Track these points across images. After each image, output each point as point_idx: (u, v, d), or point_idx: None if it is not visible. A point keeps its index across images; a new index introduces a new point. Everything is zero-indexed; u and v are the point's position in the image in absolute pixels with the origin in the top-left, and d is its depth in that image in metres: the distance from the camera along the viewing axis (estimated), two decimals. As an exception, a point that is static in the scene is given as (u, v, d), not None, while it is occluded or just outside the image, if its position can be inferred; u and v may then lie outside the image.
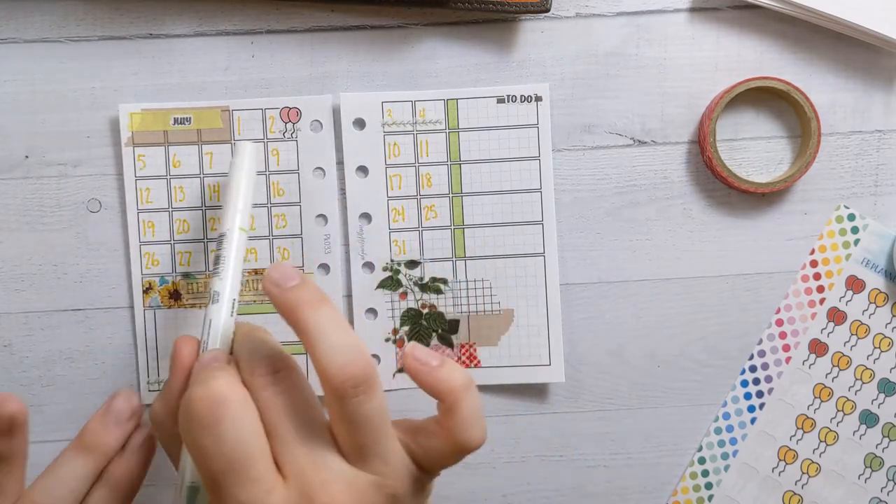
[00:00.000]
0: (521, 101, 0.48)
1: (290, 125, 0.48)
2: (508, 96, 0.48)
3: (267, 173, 0.48)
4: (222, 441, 0.33)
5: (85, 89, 0.48)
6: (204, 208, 0.48)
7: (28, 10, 0.48)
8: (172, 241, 0.48)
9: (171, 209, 0.48)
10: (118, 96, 0.48)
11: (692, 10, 0.49)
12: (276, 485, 0.34)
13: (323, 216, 0.49)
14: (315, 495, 0.34)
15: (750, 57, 0.49)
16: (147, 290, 0.48)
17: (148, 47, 0.48)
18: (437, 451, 0.37)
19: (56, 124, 0.48)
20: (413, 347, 0.37)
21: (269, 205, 0.48)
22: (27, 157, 0.48)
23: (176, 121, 0.48)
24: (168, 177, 0.48)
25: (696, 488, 0.50)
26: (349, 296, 0.49)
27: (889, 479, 0.49)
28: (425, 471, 0.37)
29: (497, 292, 0.49)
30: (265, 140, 0.48)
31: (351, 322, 0.49)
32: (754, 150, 0.49)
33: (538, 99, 0.48)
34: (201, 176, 0.48)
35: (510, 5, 0.46)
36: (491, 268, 0.49)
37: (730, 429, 0.50)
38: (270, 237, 0.49)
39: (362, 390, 0.34)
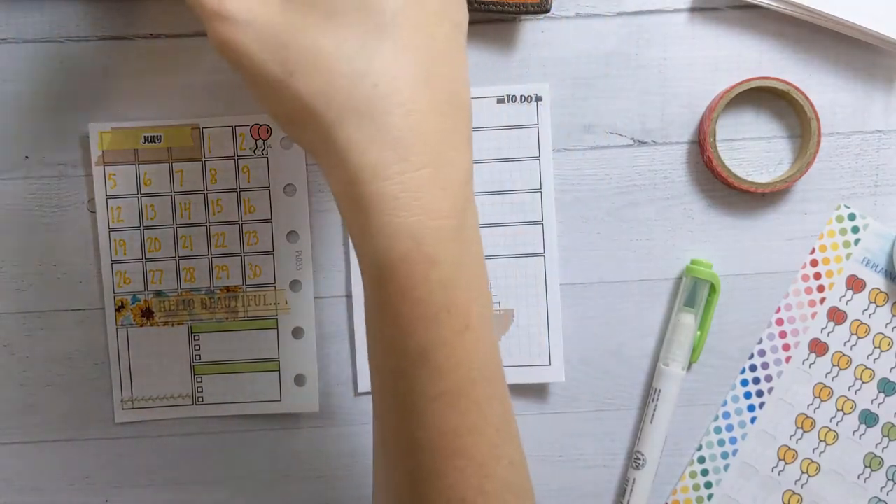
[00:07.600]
0: (521, 101, 0.48)
1: (260, 142, 0.48)
2: (508, 96, 0.48)
3: (238, 190, 0.48)
4: None
5: (85, 89, 0.48)
6: (175, 226, 0.48)
7: (28, 10, 0.48)
8: (144, 260, 0.48)
9: (142, 227, 0.48)
10: (118, 96, 0.48)
11: (692, 10, 0.48)
12: None
13: (294, 233, 0.48)
14: None
15: (750, 57, 0.48)
16: (119, 308, 0.48)
17: (148, 47, 0.48)
18: None
19: (56, 124, 0.48)
20: None
21: (240, 222, 0.48)
22: (27, 157, 0.48)
23: (146, 139, 0.48)
24: (139, 195, 0.48)
25: (696, 487, 0.50)
26: (349, 296, 0.49)
27: (889, 479, 0.49)
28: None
29: (497, 292, 0.49)
30: (235, 157, 0.48)
31: (351, 322, 0.49)
32: (754, 150, 0.49)
33: (538, 99, 0.48)
34: (172, 194, 0.48)
35: (510, 5, 0.46)
36: (491, 268, 0.49)
37: (730, 428, 0.50)
38: (242, 254, 0.48)
39: None
